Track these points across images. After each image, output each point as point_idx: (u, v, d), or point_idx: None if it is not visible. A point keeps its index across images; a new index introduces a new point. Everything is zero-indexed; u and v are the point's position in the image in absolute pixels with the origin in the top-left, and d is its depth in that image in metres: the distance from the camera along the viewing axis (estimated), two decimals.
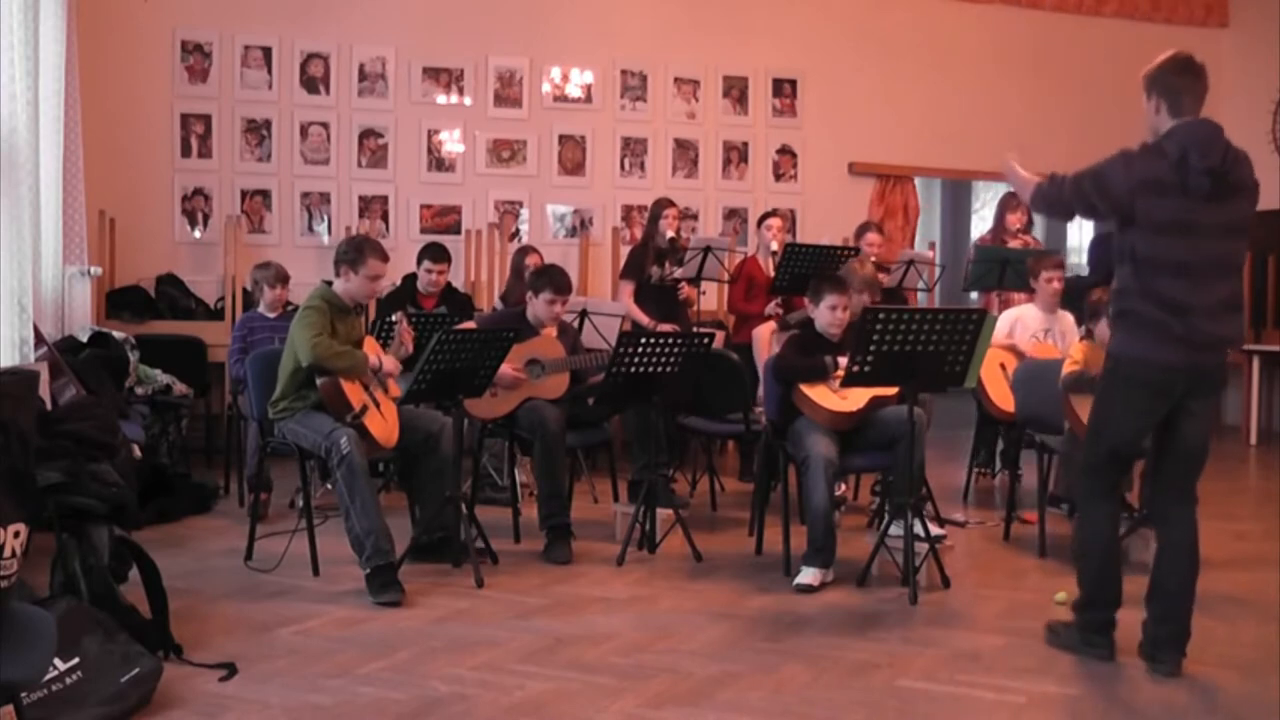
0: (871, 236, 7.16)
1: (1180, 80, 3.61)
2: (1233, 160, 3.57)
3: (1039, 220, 11.82)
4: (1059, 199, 3.75)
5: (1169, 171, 3.53)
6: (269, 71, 8.24)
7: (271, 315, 6.25)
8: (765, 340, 5.93)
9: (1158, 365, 3.60)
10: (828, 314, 4.99)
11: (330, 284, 4.83)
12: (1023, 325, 6.05)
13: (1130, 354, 3.66)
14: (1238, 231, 3.63)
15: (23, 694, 2.80)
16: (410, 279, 6.72)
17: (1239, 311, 3.68)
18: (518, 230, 8.71)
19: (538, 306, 5.42)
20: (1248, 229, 3.67)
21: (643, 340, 5.04)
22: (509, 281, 7.24)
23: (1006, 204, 7.54)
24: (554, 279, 5.46)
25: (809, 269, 6.25)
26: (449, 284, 6.76)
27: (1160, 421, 3.69)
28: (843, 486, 6.09)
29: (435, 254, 6.58)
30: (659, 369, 5.01)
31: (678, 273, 6.80)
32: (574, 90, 8.88)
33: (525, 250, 7.19)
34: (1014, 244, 7.30)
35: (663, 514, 5.26)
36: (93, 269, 7.06)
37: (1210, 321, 3.57)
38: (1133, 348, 3.65)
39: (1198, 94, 3.62)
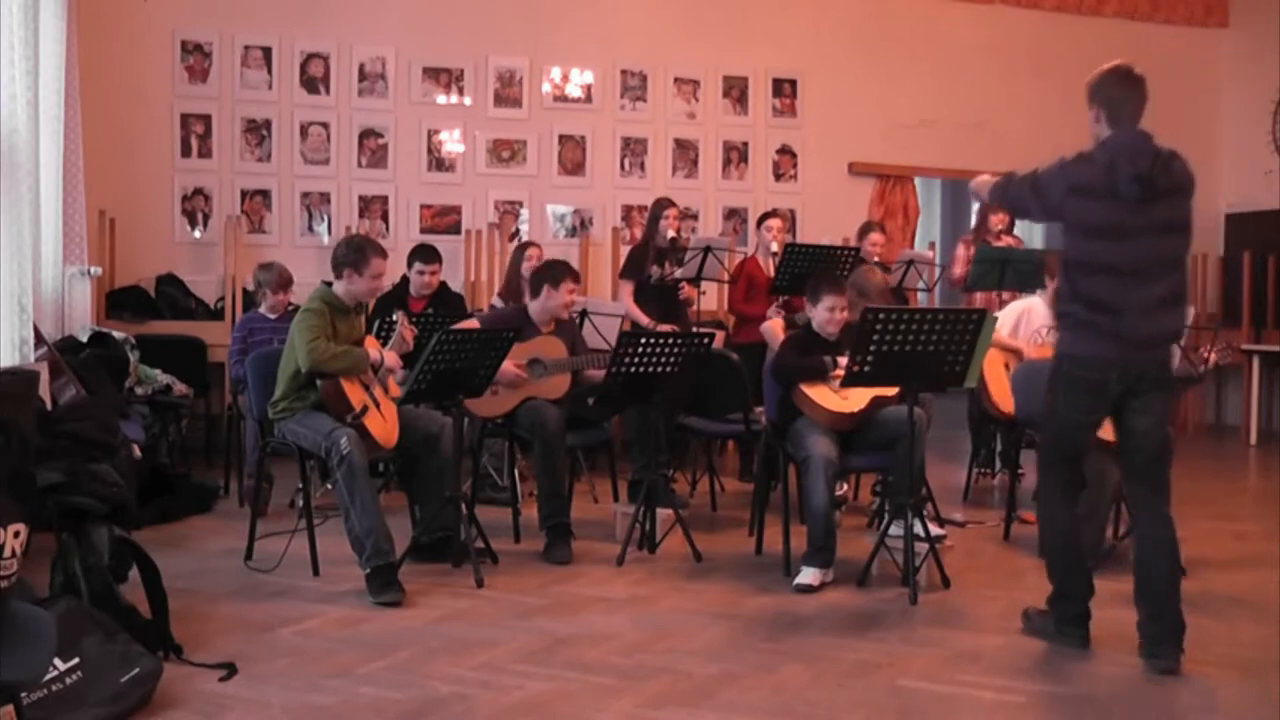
0: (875, 237, 7.13)
1: (1120, 92, 3.76)
2: (1162, 165, 3.67)
3: (1035, 223, 11.83)
4: (1007, 196, 4.00)
5: (1099, 177, 3.66)
6: (269, 71, 8.24)
7: (272, 316, 6.25)
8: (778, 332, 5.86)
9: (1090, 361, 3.74)
10: (825, 314, 4.98)
11: (330, 285, 4.83)
12: (1029, 319, 6.03)
13: (1068, 353, 3.82)
14: (1175, 229, 3.74)
15: (23, 694, 2.81)
16: (406, 281, 6.70)
17: (1179, 307, 3.79)
18: (518, 230, 8.71)
19: (558, 297, 5.39)
20: (1188, 226, 3.78)
21: (643, 340, 5.04)
22: (508, 276, 7.21)
23: (988, 205, 7.56)
24: (567, 269, 5.48)
25: (809, 269, 6.24)
26: (443, 284, 6.74)
27: (1116, 422, 3.82)
28: (843, 486, 6.09)
29: (426, 255, 6.56)
30: (659, 369, 5.01)
31: (678, 273, 6.79)
32: (574, 90, 8.88)
33: (525, 246, 7.17)
34: (997, 244, 7.30)
35: (663, 514, 5.26)
36: (93, 269, 7.06)
37: (1144, 320, 3.68)
38: (1070, 346, 3.82)
39: (1136, 105, 3.76)
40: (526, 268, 6.85)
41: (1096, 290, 3.69)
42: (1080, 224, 3.73)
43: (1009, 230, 7.54)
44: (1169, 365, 3.86)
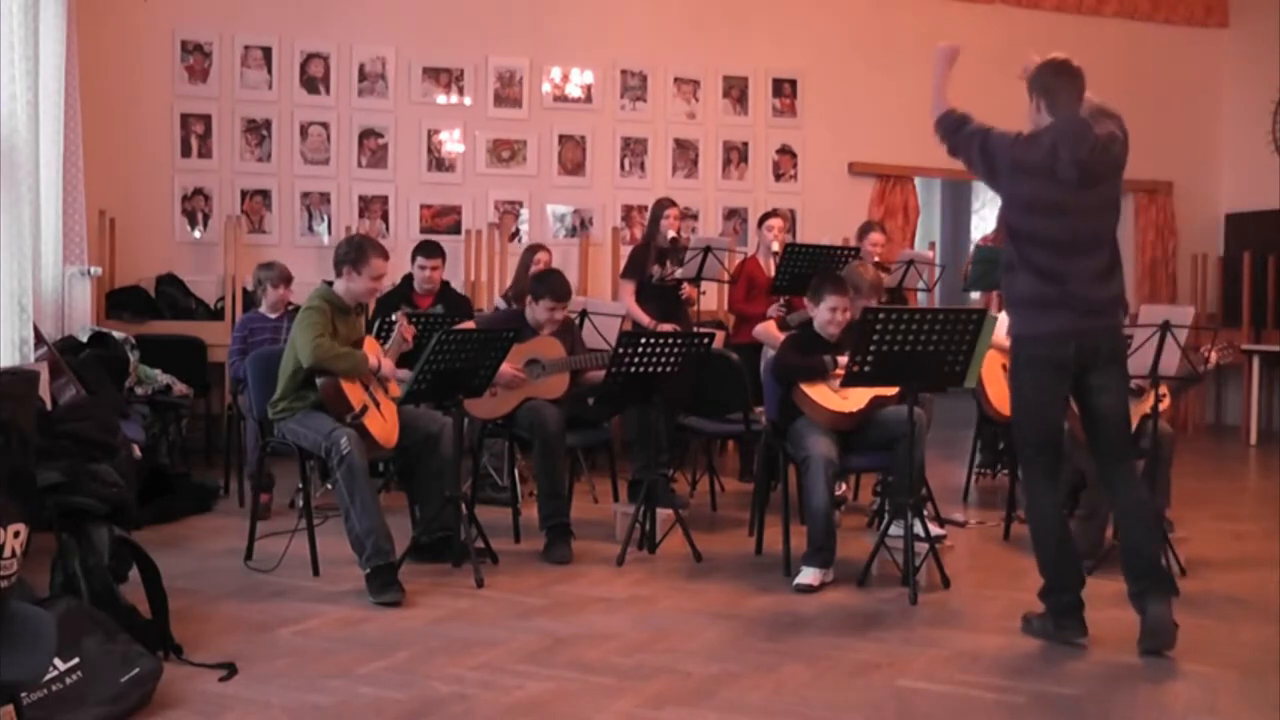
0: (875, 236, 7.13)
1: (1056, 80, 3.94)
2: (1102, 149, 3.83)
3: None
4: (952, 138, 4.13)
5: (1041, 158, 3.83)
6: (269, 71, 8.24)
7: (273, 316, 6.25)
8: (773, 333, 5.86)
9: (1047, 336, 3.86)
10: (827, 314, 4.99)
11: (330, 284, 4.83)
12: None
13: (1023, 333, 3.92)
14: (1108, 208, 3.94)
15: (23, 694, 2.81)
16: (409, 279, 6.71)
17: (1117, 277, 3.94)
18: (518, 230, 8.71)
19: (537, 312, 5.43)
20: (1119, 203, 4.02)
21: (643, 340, 5.04)
22: (516, 277, 7.20)
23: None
24: (553, 286, 5.46)
25: (809, 269, 6.24)
26: (446, 283, 6.75)
27: (1078, 403, 3.96)
28: (843, 486, 6.09)
29: (428, 250, 6.57)
30: (659, 369, 5.01)
31: (678, 273, 6.79)
32: (574, 90, 8.88)
33: (535, 248, 7.15)
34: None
35: (663, 514, 5.26)
36: (93, 269, 7.06)
37: (1087, 287, 3.83)
38: (1023, 326, 3.92)
39: (1074, 92, 3.92)
40: (535, 271, 6.85)
41: (1040, 260, 3.85)
42: (1022, 199, 3.89)
43: None
44: (1122, 336, 4.00)
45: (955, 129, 4.11)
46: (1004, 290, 4.04)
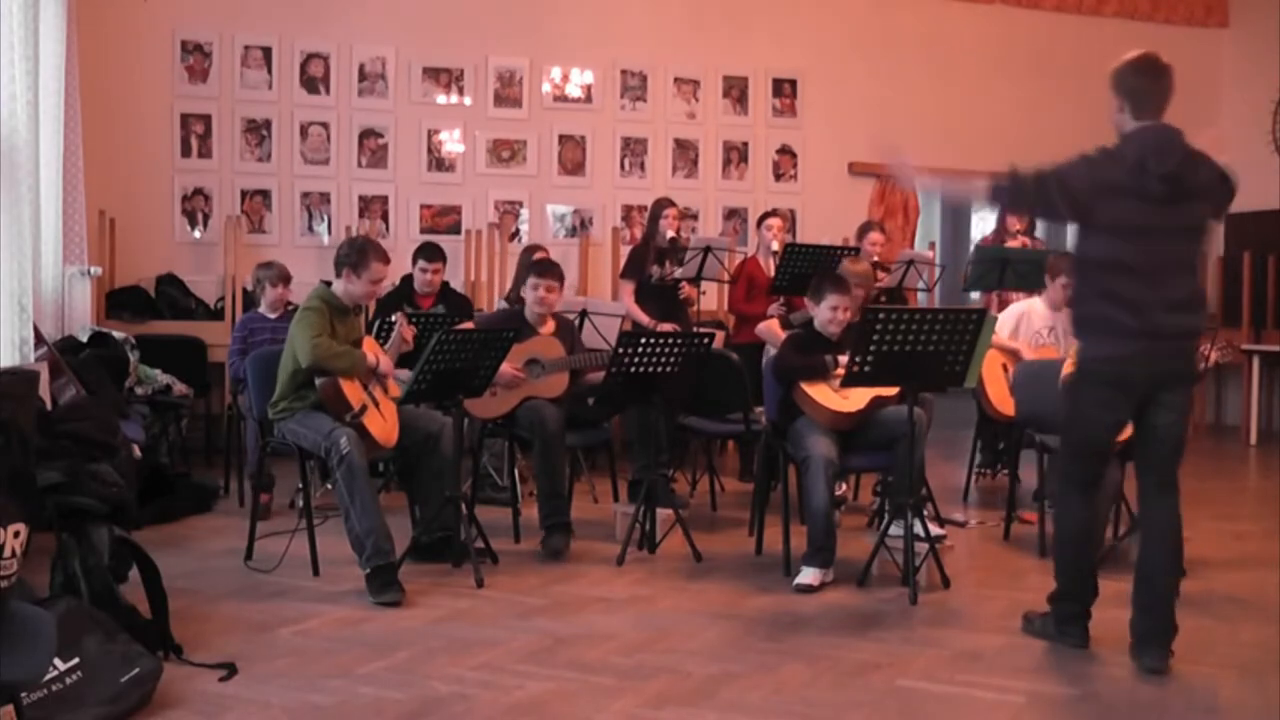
0: (875, 236, 7.13)
1: (1141, 82, 3.69)
2: (1191, 165, 3.62)
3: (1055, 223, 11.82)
4: (1023, 196, 3.81)
5: (1126, 176, 3.60)
6: (269, 71, 8.25)
7: (272, 315, 6.25)
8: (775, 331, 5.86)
9: (1116, 359, 3.67)
10: (828, 313, 4.99)
11: (329, 284, 4.83)
12: (1028, 320, 6.02)
13: (1091, 356, 3.75)
14: (1194, 232, 3.71)
15: (23, 694, 2.81)
16: (409, 279, 6.71)
17: (1199, 308, 3.74)
18: (518, 230, 8.71)
19: (529, 296, 5.47)
20: (1205, 229, 3.76)
21: (643, 340, 5.04)
22: (515, 278, 7.19)
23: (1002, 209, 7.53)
24: (538, 265, 5.55)
25: (809, 269, 6.24)
26: (446, 284, 6.76)
27: (1137, 417, 3.76)
28: (843, 486, 6.09)
29: (429, 253, 6.58)
30: (659, 369, 5.02)
31: (678, 273, 6.79)
32: (574, 90, 8.88)
33: (533, 249, 7.16)
34: (1014, 245, 7.30)
35: (663, 514, 5.26)
36: (93, 269, 7.06)
37: (1166, 315, 3.62)
38: (1093, 350, 3.74)
39: (1159, 96, 3.69)
40: None
41: (1120, 287, 3.63)
42: (1104, 223, 3.64)
43: (1028, 231, 7.52)
44: (1195, 360, 3.80)
45: (1021, 185, 3.74)
46: (1073, 319, 3.82)
